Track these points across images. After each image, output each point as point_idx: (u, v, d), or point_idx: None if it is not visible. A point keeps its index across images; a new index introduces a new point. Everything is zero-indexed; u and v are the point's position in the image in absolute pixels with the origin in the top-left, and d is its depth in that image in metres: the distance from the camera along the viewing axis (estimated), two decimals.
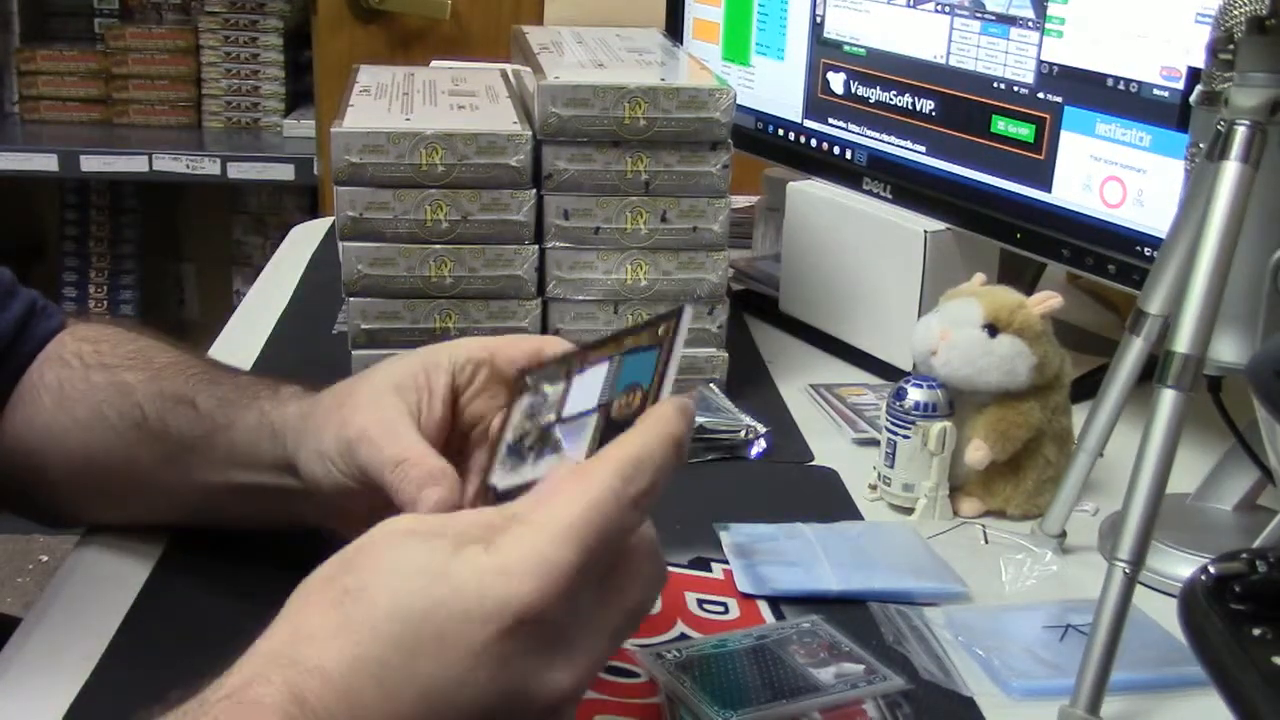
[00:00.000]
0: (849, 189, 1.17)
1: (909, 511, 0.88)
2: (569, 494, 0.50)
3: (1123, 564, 0.66)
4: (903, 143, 1.13)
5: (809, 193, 1.18)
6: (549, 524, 0.50)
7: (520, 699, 0.49)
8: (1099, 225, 0.98)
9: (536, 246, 0.97)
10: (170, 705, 0.49)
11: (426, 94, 1.05)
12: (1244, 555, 0.55)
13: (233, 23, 2.70)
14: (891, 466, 0.88)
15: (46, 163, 2.58)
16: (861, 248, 1.12)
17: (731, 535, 0.82)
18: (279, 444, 0.71)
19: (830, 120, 1.20)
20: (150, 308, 2.93)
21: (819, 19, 1.19)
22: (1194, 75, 0.87)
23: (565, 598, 0.49)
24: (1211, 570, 0.55)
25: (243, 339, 1.14)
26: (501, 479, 0.59)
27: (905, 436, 0.87)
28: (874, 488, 0.90)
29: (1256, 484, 0.84)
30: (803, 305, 1.19)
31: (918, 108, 1.10)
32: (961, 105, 1.06)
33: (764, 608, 0.75)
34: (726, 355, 1.02)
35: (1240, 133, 0.69)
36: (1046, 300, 0.86)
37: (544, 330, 0.99)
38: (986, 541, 0.84)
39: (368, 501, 0.66)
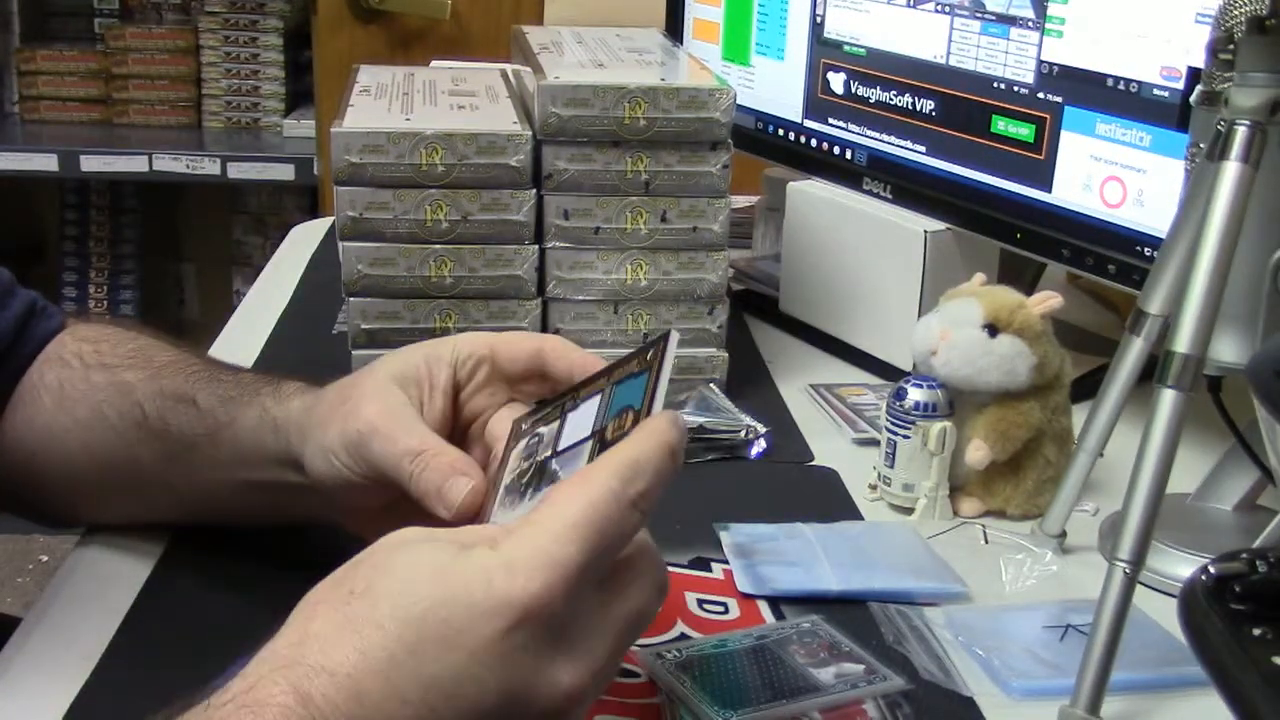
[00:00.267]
0: (849, 189, 1.17)
1: (909, 511, 0.88)
2: (570, 495, 0.51)
3: (1123, 564, 0.66)
4: (903, 143, 1.13)
5: (809, 193, 1.18)
6: (552, 522, 0.50)
7: (522, 697, 0.49)
8: (1099, 225, 0.98)
9: (536, 246, 0.97)
10: (174, 712, 0.49)
11: (426, 94, 1.06)
12: (1244, 555, 0.55)
13: (233, 23, 2.70)
14: (891, 466, 0.88)
15: (46, 163, 2.58)
16: (861, 248, 1.12)
17: (731, 535, 0.82)
18: (281, 440, 0.71)
19: (830, 120, 1.20)
20: (150, 308, 2.93)
21: (819, 19, 1.19)
22: (1194, 75, 0.88)
23: (569, 594, 0.49)
24: (1211, 570, 0.55)
25: (243, 339, 1.14)
26: (500, 517, 0.60)
27: (905, 436, 0.87)
28: (874, 488, 0.90)
29: (1256, 484, 0.84)
30: (803, 305, 1.19)
31: (918, 108, 1.10)
32: (961, 105, 1.06)
33: (764, 608, 0.75)
34: (726, 355, 1.02)
35: (1240, 133, 0.69)
36: (1046, 300, 0.86)
37: (544, 330, 0.99)
38: (986, 541, 0.84)
39: (374, 496, 0.66)
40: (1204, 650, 0.53)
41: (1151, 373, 0.70)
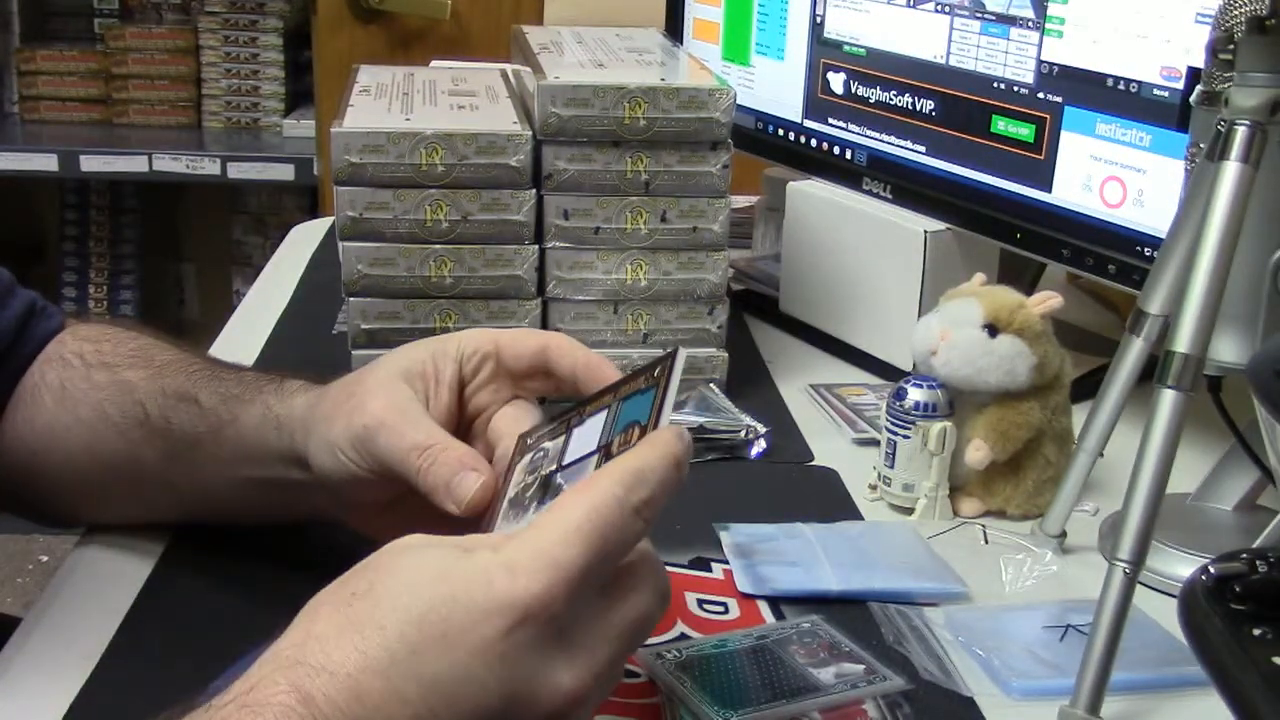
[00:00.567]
0: (849, 189, 1.17)
1: (909, 511, 0.88)
2: (573, 500, 0.51)
3: (1123, 564, 0.66)
4: (903, 143, 1.13)
5: (809, 193, 1.18)
6: (554, 526, 0.50)
7: (523, 698, 0.49)
8: (1099, 225, 0.98)
9: (536, 246, 0.97)
10: (175, 715, 0.49)
11: (426, 94, 1.06)
12: (1244, 555, 0.55)
13: (233, 23, 2.70)
14: (891, 466, 0.88)
15: (46, 163, 2.58)
16: (861, 248, 1.12)
17: (731, 535, 0.82)
18: (284, 437, 0.71)
19: (830, 120, 1.20)
20: (150, 308, 2.93)
21: (819, 19, 1.19)
22: (1194, 75, 0.88)
23: (570, 596, 0.49)
24: (1211, 570, 0.55)
25: (243, 339, 1.14)
26: (504, 529, 0.59)
27: (905, 436, 0.87)
28: (874, 488, 0.90)
29: (1256, 484, 0.84)
30: (803, 305, 1.19)
31: (918, 108, 1.10)
32: (961, 105, 1.06)
33: (764, 608, 0.75)
34: (726, 355, 1.02)
35: (1240, 133, 0.69)
36: (1046, 300, 0.86)
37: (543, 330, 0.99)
38: (986, 541, 0.84)
39: (379, 491, 0.67)
40: (1204, 650, 0.53)
41: (1151, 373, 0.70)
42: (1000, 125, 1.04)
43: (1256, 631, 0.52)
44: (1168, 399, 0.67)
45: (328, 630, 0.49)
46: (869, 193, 1.15)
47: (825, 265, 1.16)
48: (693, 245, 0.99)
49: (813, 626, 0.72)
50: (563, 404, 0.65)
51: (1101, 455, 0.81)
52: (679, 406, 0.97)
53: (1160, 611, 0.75)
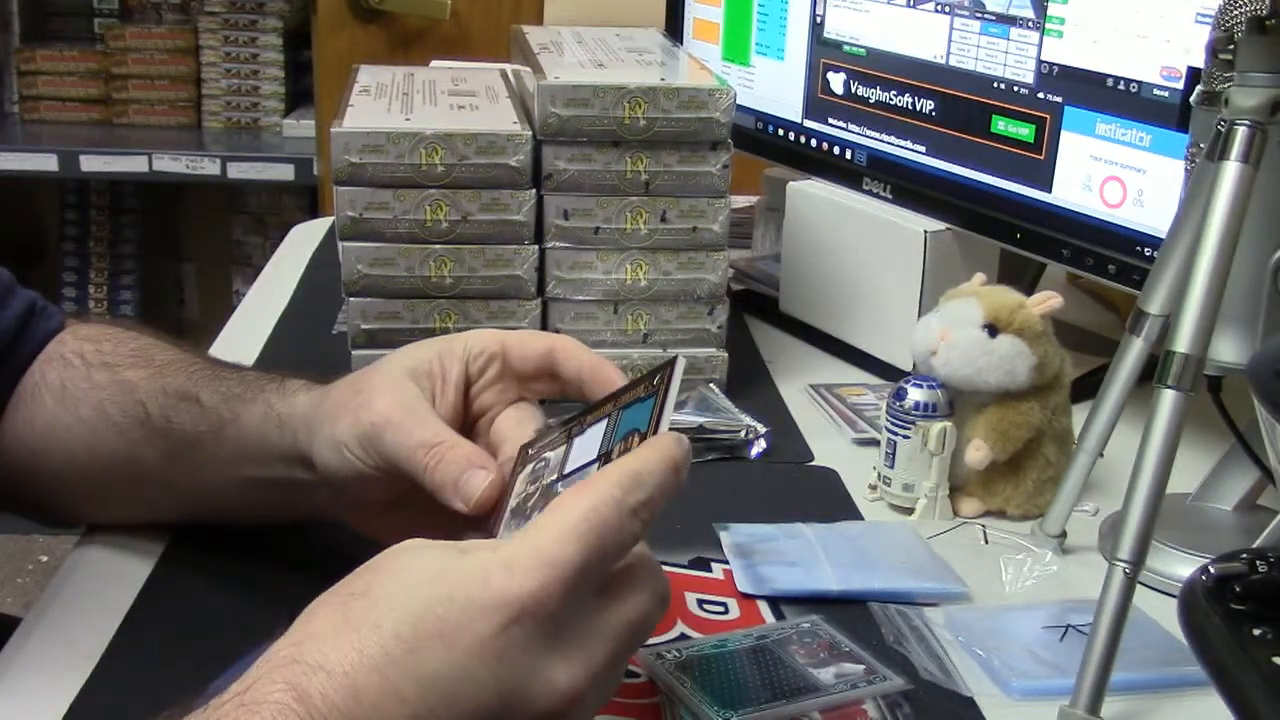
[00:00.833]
0: (849, 189, 1.17)
1: (909, 511, 0.88)
2: (571, 501, 0.52)
3: (1123, 564, 0.66)
4: (903, 143, 1.13)
5: (809, 193, 1.18)
6: (551, 526, 0.51)
7: (519, 696, 0.49)
8: (1099, 225, 0.98)
9: (536, 246, 0.97)
10: (174, 715, 0.49)
11: (426, 94, 1.06)
12: (1244, 555, 0.55)
13: (233, 23, 2.70)
14: (891, 466, 0.88)
15: (46, 163, 2.58)
16: (861, 248, 1.12)
17: (731, 535, 0.82)
18: (287, 436, 0.71)
19: (830, 120, 1.20)
20: (150, 308, 2.93)
21: (819, 19, 1.19)
22: (1194, 75, 0.88)
23: (566, 595, 0.50)
24: (1211, 570, 0.55)
25: (243, 339, 1.14)
26: (505, 539, 0.59)
27: (905, 436, 0.87)
28: (874, 488, 0.90)
29: (1256, 484, 0.84)
30: (803, 305, 1.19)
31: (918, 108, 1.10)
32: (961, 105, 1.06)
33: (764, 608, 0.75)
34: (726, 355, 1.02)
35: (1240, 133, 0.69)
36: (1046, 300, 0.86)
37: (543, 331, 0.99)
38: (986, 541, 0.84)
39: (383, 489, 0.67)
40: (1204, 650, 0.53)
41: (1151, 373, 0.70)
42: (1000, 125, 1.04)
43: (1256, 631, 0.52)
44: (1168, 399, 0.67)
45: (325, 629, 0.49)
46: (869, 193, 1.15)
47: (825, 265, 1.16)
48: (693, 245, 0.99)
49: (813, 626, 0.72)
50: (565, 406, 0.65)
51: (1101, 455, 0.81)
52: (679, 407, 0.97)
53: (1160, 611, 0.75)
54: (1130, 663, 0.67)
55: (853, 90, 1.17)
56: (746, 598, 0.76)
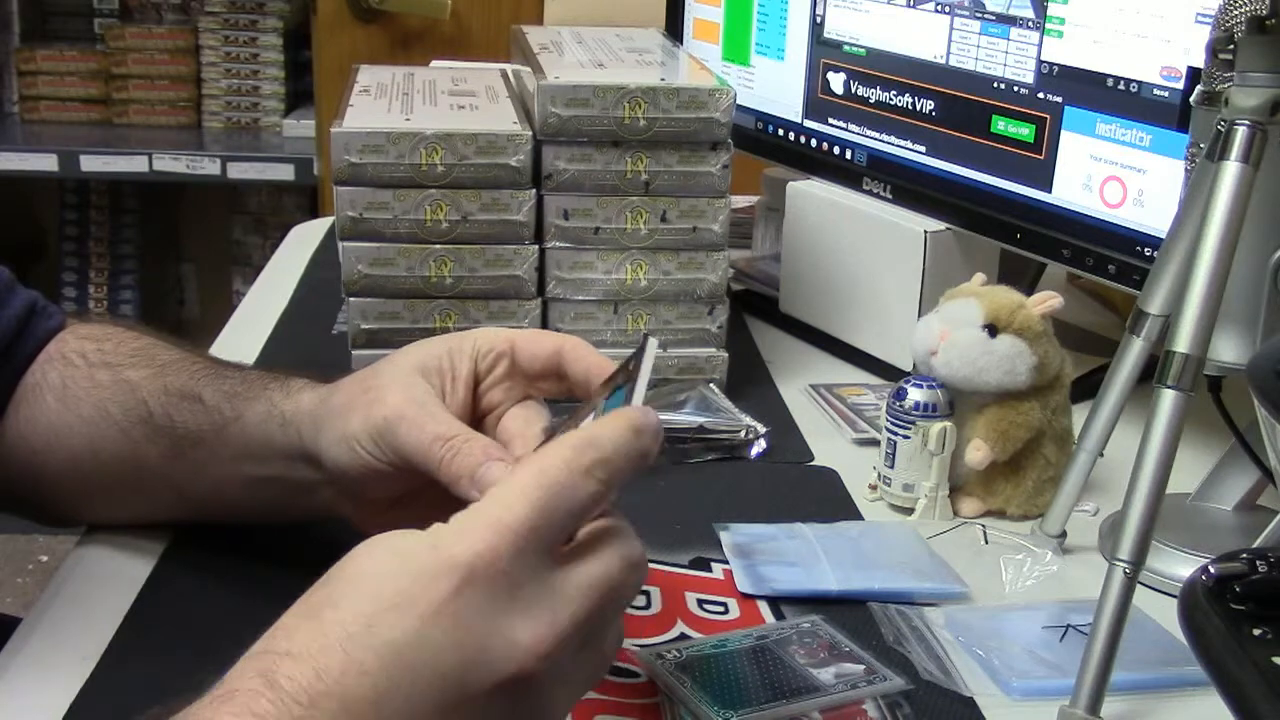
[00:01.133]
0: (849, 189, 1.17)
1: (909, 511, 0.88)
2: (521, 467, 0.53)
3: (1123, 564, 0.66)
4: (903, 143, 1.13)
5: (809, 193, 1.18)
6: (500, 489, 0.52)
7: (479, 658, 0.49)
8: (1099, 225, 0.98)
9: (536, 246, 0.97)
10: (163, 714, 0.49)
11: (426, 94, 1.06)
12: (1244, 555, 0.55)
13: (233, 23, 2.70)
14: (891, 466, 0.88)
15: (46, 163, 2.58)
16: (861, 248, 1.12)
17: (731, 535, 0.82)
18: (291, 434, 0.71)
19: (830, 120, 1.20)
20: (150, 308, 2.93)
21: (819, 19, 1.19)
22: (1194, 75, 0.88)
23: (516, 553, 0.50)
24: (1211, 570, 0.55)
25: (243, 339, 1.14)
26: None
27: (905, 436, 0.87)
28: (874, 488, 0.90)
29: (1256, 484, 0.84)
30: (803, 305, 1.19)
31: (918, 108, 1.10)
32: (961, 105, 1.06)
33: (764, 608, 0.75)
34: (726, 355, 1.02)
35: (1240, 133, 0.69)
36: (1046, 300, 0.86)
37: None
38: (986, 541, 0.84)
39: (392, 485, 0.67)
40: (1204, 650, 0.53)
41: (1151, 373, 0.70)
42: (1000, 125, 1.04)
43: (1256, 631, 0.52)
44: (1168, 399, 0.67)
45: (289, 620, 0.50)
46: (869, 193, 1.15)
47: (825, 265, 1.16)
48: (693, 245, 0.99)
49: (813, 626, 0.72)
50: (571, 406, 0.65)
51: (1101, 455, 0.81)
52: (679, 406, 0.97)
53: (1160, 611, 0.75)
54: (1130, 663, 0.67)
55: (853, 90, 1.17)
56: (746, 598, 0.76)
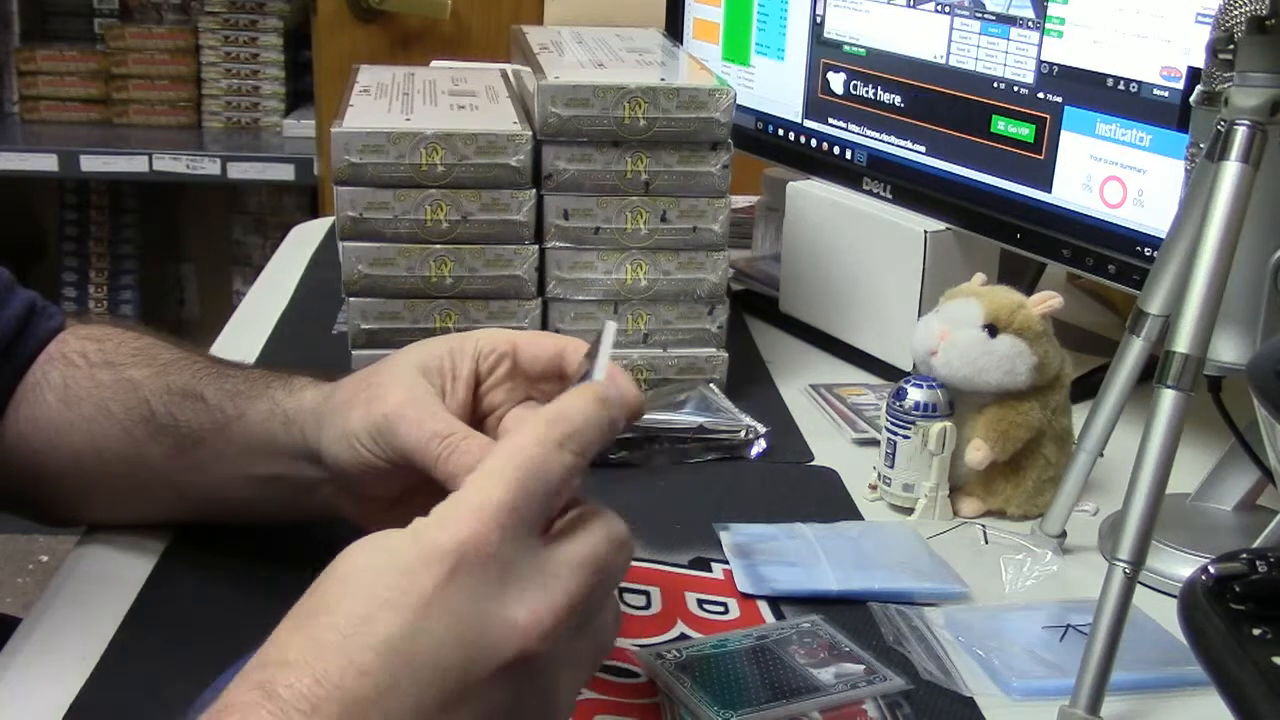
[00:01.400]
0: (849, 189, 1.17)
1: (909, 511, 0.88)
2: (495, 450, 0.53)
3: (1123, 564, 0.66)
4: (903, 143, 1.13)
5: (809, 193, 1.18)
6: (476, 477, 0.51)
7: (479, 642, 0.49)
8: (1099, 225, 0.98)
9: (536, 246, 0.97)
10: None
11: (426, 94, 1.06)
12: (1244, 555, 0.55)
13: (233, 23, 2.70)
14: (891, 466, 0.88)
15: (46, 163, 2.58)
16: (861, 248, 1.12)
17: (731, 535, 0.82)
18: (293, 432, 0.71)
19: (830, 120, 1.20)
20: (150, 308, 2.93)
21: (819, 19, 1.19)
22: (1194, 75, 0.88)
23: (501, 535, 0.50)
24: (1211, 570, 0.55)
25: (243, 339, 1.14)
26: None
27: (905, 436, 0.87)
28: (874, 488, 0.90)
29: (1256, 484, 0.84)
30: (803, 305, 1.19)
31: (918, 108, 1.10)
32: (961, 105, 1.06)
33: (764, 608, 0.75)
34: (726, 355, 1.02)
35: (1240, 133, 0.69)
36: (1046, 300, 0.86)
37: (544, 331, 0.99)
38: (986, 541, 0.84)
39: (391, 483, 0.67)
40: (1204, 650, 0.53)
41: (1151, 373, 0.70)
42: (1000, 125, 1.04)
43: (1256, 631, 0.52)
44: (1168, 399, 0.67)
45: (282, 631, 0.49)
46: (869, 193, 1.15)
47: (825, 265, 1.16)
48: (693, 245, 0.99)
49: (813, 626, 0.72)
50: None
51: (1101, 455, 0.81)
52: (679, 406, 0.97)
53: (1160, 611, 0.75)
54: (1130, 663, 0.67)
55: (853, 90, 1.17)
56: (746, 598, 0.76)
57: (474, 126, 0.95)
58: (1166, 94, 0.92)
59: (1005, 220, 1.04)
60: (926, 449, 0.86)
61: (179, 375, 0.76)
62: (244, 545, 0.77)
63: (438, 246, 0.96)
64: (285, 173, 2.56)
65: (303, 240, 1.44)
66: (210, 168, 2.55)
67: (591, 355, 0.60)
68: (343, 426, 0.67)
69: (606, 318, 0.63)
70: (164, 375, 0.76)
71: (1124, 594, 0.66)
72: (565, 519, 0.54)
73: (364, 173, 0.94)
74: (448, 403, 0.67)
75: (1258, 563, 0.54)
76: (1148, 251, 0.94)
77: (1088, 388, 0.90)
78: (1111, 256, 0.97)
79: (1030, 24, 1.00)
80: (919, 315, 0.97)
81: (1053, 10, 0.98)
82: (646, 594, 0.75)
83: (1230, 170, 0.68)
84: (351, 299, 0.97)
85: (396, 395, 0.66)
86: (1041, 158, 1.01)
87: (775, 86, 1.25)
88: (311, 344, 1.14)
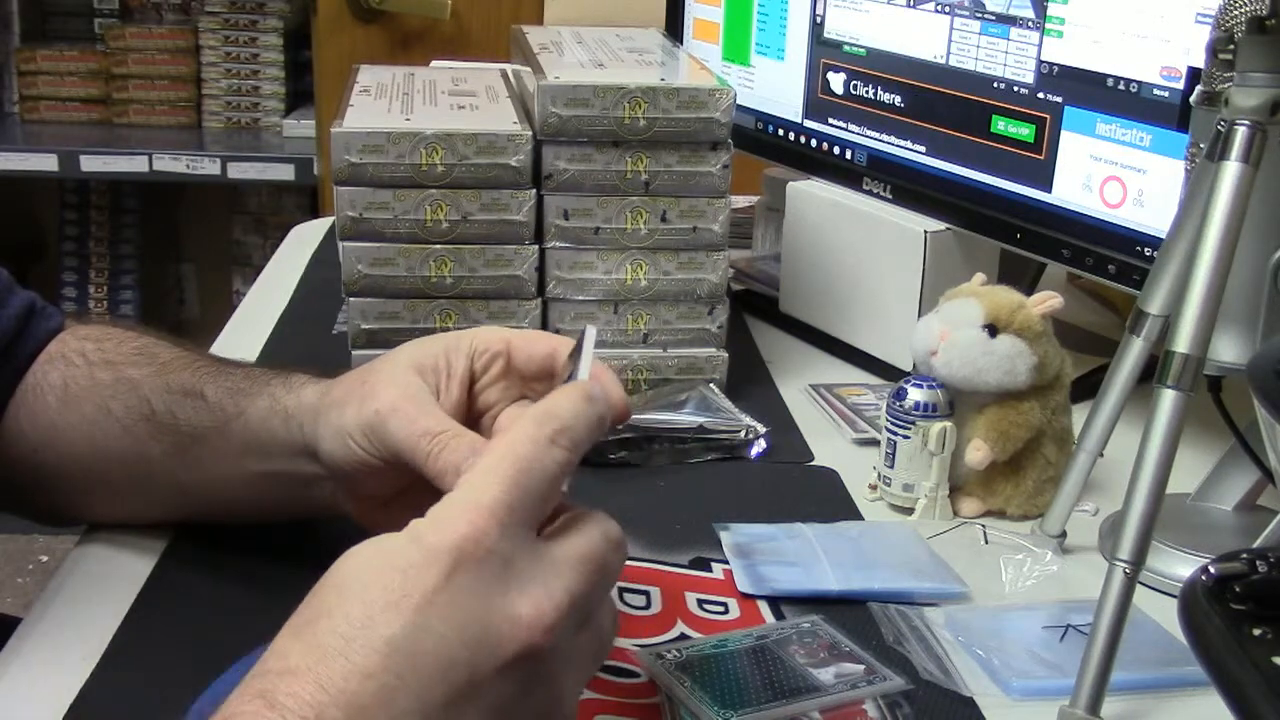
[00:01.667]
0: (849, 189, 1.17)
1: (909, 511, 0.88)
2: (488, 449, 0.53)
3: (1123, 564, 0.66)
4: (903, 143, 1.13)
5: (809, 193, 1.18)
6: (471, 476, 0.52)
7: (484, 638, 0.49)
8: (1099, 225, 0.98)
9: (536, 246, 0.97)
10: None
11: (426, 94, 1.06)
12: (1244, 555, 0.55)
13: (233, 23, 2.70)
14: (891, 466, 0.88)
15: (46, 163, 2.58)
16: (861, 248, 1.12)
17: (731, 535, 0.82)
18: (293, 428, 0.71)
19: (830, 120, 1.20)
20: (150, 308, 2.93)
21: (819, 19, 1.19)
22: (1194, 75, 0.88)
23: (500, 531, 0.50)
24: (1211, 570, 0.55)
25: (243, 339, 1.14)
26: None
27: (905, 436, 0.87)
28: (874, 488, 0.90)
29: (1256, 484, 0.84)
30: (803, 305, 1.19)
31: (918, 108, 1.10)
32: (961, 105, 1.06)
33: (764, 608, 0.75)
34: (726, 355, 1.02)
35: (1240, 133, 0.69)
36: (1046, 300, 0.86)
37: (544, 331, 0.99)
38: (986, 541, 0.84)
39: (386, 480, 0.67)
40: (1204, 650, 0.53)
41: (1151, 373, 0.70)
42: (1000, 125, 1.04)
43: (1256, 631, 0.52)
44: (1168, 399, 0.67)
45: (282, 639, 0.49)
46: (869, 193, 1.15)
47: (825, 265, 1.16)
48: (693, 245, 0.99)
49: (813, 626, 0.72)
50: None
51: (1101, 455, 0.81)
52: (679, 406, 0.97)
53: (1160, 611, 0.75)
54: (1130, 663, 0.67)
55: (853, 90, 1.17)
56: (746, 598, 0.76)
57: (474, 126, 0.95)
58: (1166, 94, 0.92)
59: (1005, 220, 1.04)
60: (926, 449, 0.86)
61: (179, 374, 0.76)
62: (244, 545, 0.77)
63: (438, 246, 0.96)
64: (285, 173, 2.56)
65: (303, 240, 1.44)
66: (210, 168, 2.55)
67: (575, 357, 0.61)
68: (337, 423, 0.67)
69: (588, 324, 0.66)
70: (164, 374, 0.76)
71: (1124, 594, 0.66)
72: (559, 521, 0.54)
73: (364, 173, 0.94)
74: (442, 401, 0.67)
75: (1258, 563, 0.54)
76: (1148, 251, 0.94)
77: (1088, 388, 0.90)
78: (1111, 256, 0.97)
79: (1030, 24, 1.00)
80: (919, 315, 0.97)
81: (1053, 10, 0.98)
82: (646, 594, 0.75)
83: (1230, 170, 0.68)
84: (351, 299, 0.97)
85: (390, 392, 0.66)
86: (1041, 158, 1.01)
87: (775, 86, 1.25)
88: (311, 344, 1.14)
